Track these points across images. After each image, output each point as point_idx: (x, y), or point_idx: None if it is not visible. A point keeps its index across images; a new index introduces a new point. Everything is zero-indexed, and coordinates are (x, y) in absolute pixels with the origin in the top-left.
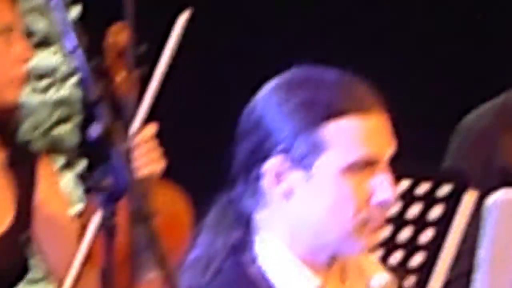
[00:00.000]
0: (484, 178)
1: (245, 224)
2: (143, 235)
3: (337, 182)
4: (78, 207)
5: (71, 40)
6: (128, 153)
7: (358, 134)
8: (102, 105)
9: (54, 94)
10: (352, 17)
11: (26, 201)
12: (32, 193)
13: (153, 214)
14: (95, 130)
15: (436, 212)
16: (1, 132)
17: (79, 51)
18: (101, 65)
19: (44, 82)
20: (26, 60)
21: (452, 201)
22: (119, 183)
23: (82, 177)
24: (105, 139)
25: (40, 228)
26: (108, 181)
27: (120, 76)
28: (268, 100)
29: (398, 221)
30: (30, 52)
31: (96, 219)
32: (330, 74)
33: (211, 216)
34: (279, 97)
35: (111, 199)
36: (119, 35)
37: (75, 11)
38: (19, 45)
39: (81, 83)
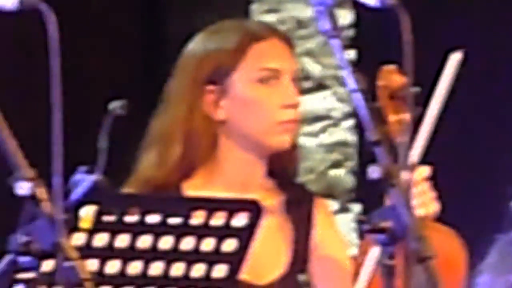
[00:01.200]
0: None
1: None
2: (422, 276)
3: None
4: (353, 250)
5: (351, 82)
6: (406, 195)
7: None
8: (380, 147)
9: (328, 137)
10: None
11: (303, 242)
12: (309, 235)
13: (432, 256)
14: (374, 172)
15: None
16: (279, 176)
17: (358, 94)
18: (376, 107)
19: (318, 126)
20: (294, 105)
21: None
22: (398, 225)
23: (359, 220)
24: (384, 181)
25: (317, 270)
26: (386, 223)
27: (393, 118)
28: None
29: None
30: (298, 97)
31: (370, 261)
32: None
33: (492, 257)
34: None
35: (390, 241)
36: (391, 77)
37: (351, 54)
38: (287, 90)
39: (357, 126)
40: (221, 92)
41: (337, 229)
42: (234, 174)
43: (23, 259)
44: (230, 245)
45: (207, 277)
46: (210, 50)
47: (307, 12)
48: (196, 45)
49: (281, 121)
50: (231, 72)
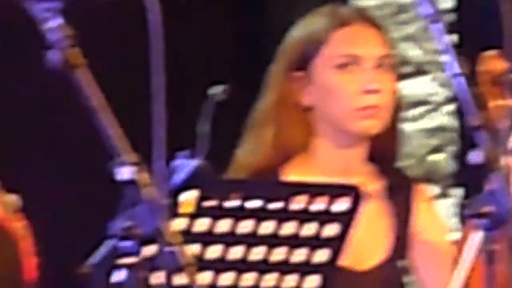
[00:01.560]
0: None
1: None
2: None
3: None
4: (454, 235)
5: (452, 67)
6: (508, 180)
7: None
8: (481, 132)
9: (429, 122)
10: None
11: (403, 228)
12: (408, 221)
13: None
14: (476, 157)
15: None
16: (379, 161)
17: (460, 78)
18: (477, 92)
19: (419, 110)
20: (373, 91)
21: None
22: (500, 209)
23: (460, 205)
24: (485, 166)
25: (417, 255)
26: (488, 208)
27: (494, 104)
28: None
29: None
30: (378, 83)
31: (471, 246)
32: None
33: None
34: None
35: (492, 225)
36: (493, 63)
37: (452, 38)
38: (366, 76)
39: (457, 111)
40: (306, 78)
41: (437, 215)
42: (331, 160)
43: (125, 244)
44: (331, 230)
45: (307, 262)
46: (298, 37)
47: None
48: (291, 32)
49: (360, 107)
50: (314, 58)
